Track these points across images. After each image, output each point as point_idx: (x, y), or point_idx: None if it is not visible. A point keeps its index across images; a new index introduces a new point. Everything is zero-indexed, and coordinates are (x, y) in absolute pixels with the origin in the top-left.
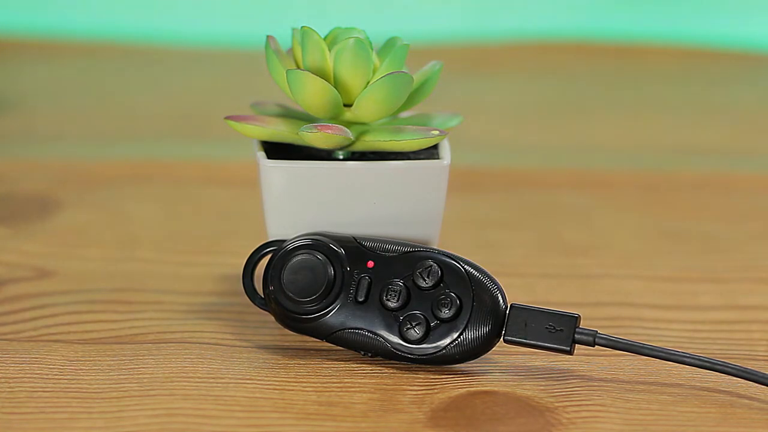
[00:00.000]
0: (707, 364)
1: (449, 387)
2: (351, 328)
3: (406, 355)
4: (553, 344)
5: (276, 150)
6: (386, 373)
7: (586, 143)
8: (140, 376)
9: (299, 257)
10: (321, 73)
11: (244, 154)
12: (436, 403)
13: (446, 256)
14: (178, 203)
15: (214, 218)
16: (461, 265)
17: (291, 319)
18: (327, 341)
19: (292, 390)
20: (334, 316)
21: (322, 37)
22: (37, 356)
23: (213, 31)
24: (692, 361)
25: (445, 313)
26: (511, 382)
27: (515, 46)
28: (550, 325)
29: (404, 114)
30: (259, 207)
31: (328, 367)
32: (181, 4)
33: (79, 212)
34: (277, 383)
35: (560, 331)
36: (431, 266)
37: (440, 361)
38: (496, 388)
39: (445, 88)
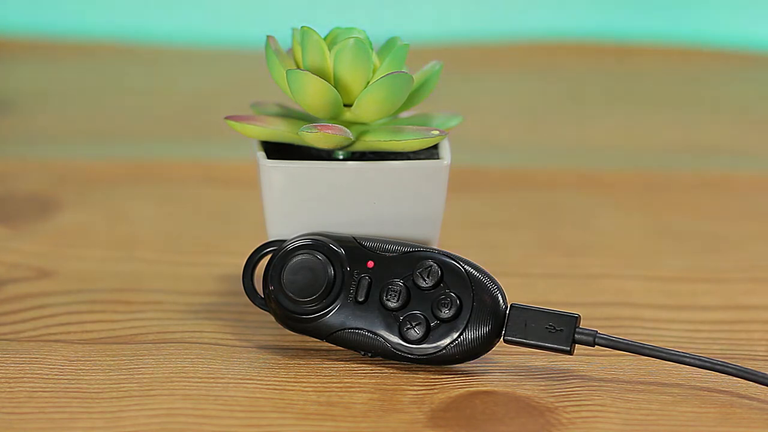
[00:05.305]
0: (707, 364)
1: (449, 387)
2: (351, 328)
3: (406, 355)
4: (553, 344)
5: (276, 150)
6: (386, 373)
7: (586, 143)
8: (140, 376)
9: (299, 257)
10: (321, 73)
11: (244, 154)
12: (436, 403)
13: (446, 256)
14: (178, 203)
15: (214, 218)
16: (461, 265)
17: (291, 319)
18: (327, 341)
19: (292, 390)
20: (334, 316)
21: (322, 37)
22: (37, 356)
23: (213, 31)
24: (692, 361)
25: (445, 313)
26: (511, 382)
27: (515, 46)
28: (550, 325)
29: (404, 114)
30: (259, 207)
31: (328, 367)
32: (181, 4)
33: (79, 212)
34: (277, 383)
35: (560, 331)
36: (431, 266)
37: (440, 361)
38: (496, 388)
39: (445, 88)
